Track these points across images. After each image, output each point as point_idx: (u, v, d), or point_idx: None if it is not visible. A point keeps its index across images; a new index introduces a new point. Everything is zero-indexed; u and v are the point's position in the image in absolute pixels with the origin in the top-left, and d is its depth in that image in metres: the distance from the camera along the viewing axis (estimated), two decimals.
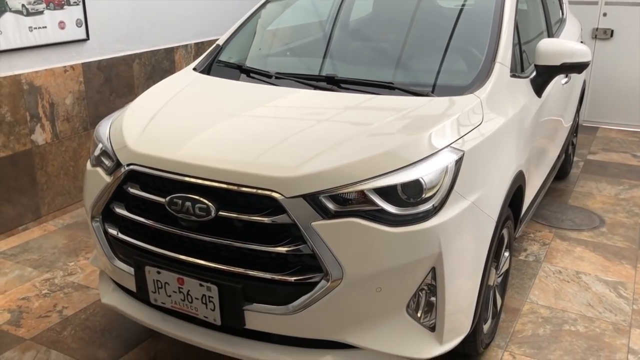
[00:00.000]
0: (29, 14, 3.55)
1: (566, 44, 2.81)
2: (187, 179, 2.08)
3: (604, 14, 5.93)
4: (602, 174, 4.84)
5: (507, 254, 2.69)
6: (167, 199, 2.09)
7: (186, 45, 4.86)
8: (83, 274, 3.26)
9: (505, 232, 2.55)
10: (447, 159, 2.06)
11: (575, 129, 4.73)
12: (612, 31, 5.94)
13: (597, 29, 5.99)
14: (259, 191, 1.97)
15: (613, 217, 4.02)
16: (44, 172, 3.83)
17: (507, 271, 2.79)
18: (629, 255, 3.49)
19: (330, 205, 1.94)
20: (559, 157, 3.94)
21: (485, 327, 2.52)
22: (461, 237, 2.07)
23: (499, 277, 2.63)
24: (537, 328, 2.78)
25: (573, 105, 4.21)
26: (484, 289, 2.29)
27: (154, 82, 4.52)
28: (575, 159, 5.09)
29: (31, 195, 3.78)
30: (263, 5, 3.45)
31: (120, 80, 4.28)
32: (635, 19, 5.83)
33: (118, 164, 2.27)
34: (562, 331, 2.76)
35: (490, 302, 2.56)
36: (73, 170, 4.03)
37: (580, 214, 4.06)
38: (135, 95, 4.38)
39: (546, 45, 2.79)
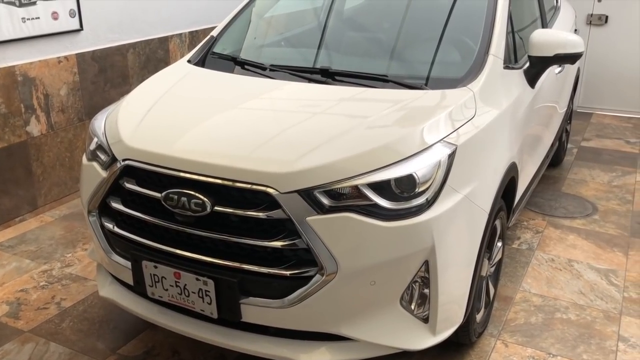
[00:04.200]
0: (21, 4, 3.53)
1: (559, 35, 2.82)
2: (182, 174, 2.09)
3: (599, 0, 5.92)
4: (595, 160, 4.88)
5: (500, 244, 2.72)
6: (163, 194, 2.11)
7: (180, 34, 4.84)
8: (80, 265, 3.28)
9: (498, 222, 2.59)
10: (439, 153, 2.08)
11: (569, 116, 4.76)
12: (607, 17, 5.94)
13: (591, 15, 5.98)
14: (254, 187, 1.99)
15: (606, 204, 4.05)
16: (39, 163, 3.84)
17: (500, 261, 2.83)
18: (621, 242, 3.53)
19: (325, 201, 1.96)
20: (552, 145, 3.97)
21: (478, 316, 2.56)
22: (454, 230, 2.10)
23: (491, 267, 2.66)
24: (530, 316, 2.83)
25: (567, 93, 4.23)
26: (477, 279, 2.33)
27: (149, 72, 4.53)
28: (569, 145, 5.12)
29: (27, 187, 3.79)
30: None
31: (114, 71, 4.27)
32: (629, 5, 5.82)
33: (114, 159, 2.28)
34: (554, 319, 2.81)
35: (483, 292, 2.60)
36: (69, 161, 4.04)
37: (574, 202, 4.10)
38: (130, 85, 4.38)
39: (539, 36, 2.80)
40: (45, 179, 3.90)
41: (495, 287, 2.82)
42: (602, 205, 4.04)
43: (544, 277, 3.16)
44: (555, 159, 4.56)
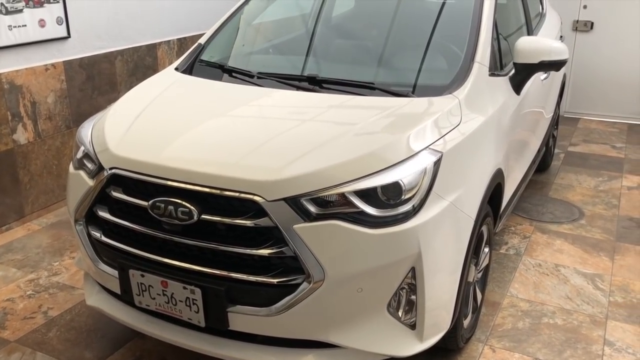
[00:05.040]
0: (7, 12, 3.52)
1: (544, 42, 2.85)
2: (169, 182, 2.09)
3: (584, 7, 5.99)
4: (582, 165, 4.92)
5: (487, 249, 2.74)
6: (150, 202, 2.11)
7: (169, 41, 4.84)
8: (68, 273, 3.27)
9: (484, 228, 2.60)
10: (425, 160, 2.10)
11: (555, 122, 4.80)
12: (592, 23, 6.01)
13: (577, 21, 6.05)
14: (241, 195, 2.00)
15: (592, 209, 4.09)
16: (26, 171, 3.82)
17: (488, 266, 2.84)
18: (607, 247, 3.57)
19: (312, 208, 1.97)
20: (539, 150, 4.01)
21: (466, 322, 2.57)
22: (440, 237, 2.11)
23: (479, 272, 2.68)
24: (517, 321, 2.85)
25: (553, 99, 4.27)
26: (464, 285, 2.35)
27: (137, 79, 4.52)
28: (556, 150, 5.16)
29: (14, 195, 3.77)
30: (246, 2, 3.45)
31: (102, 78, 4.26)
32: (614, 11, 5.89)
33: (100, 168, 2.28)
34: (541, 324, 2.83)
35: (471, 298, 2.61)
36: (56, 169, 4.02)
37: (561, 207, 4.13)
38: (118, 93, 4.38)
39: (524, 43, 2.83)
40: (33, 186, 3.88)
41: (482, 292, 2.83)
42: (588, 210, 4.08)
43: (531, 282, 3.18)
44: (542, 164, 4.60)
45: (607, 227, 3.82)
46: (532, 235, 3.70)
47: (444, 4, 3.11)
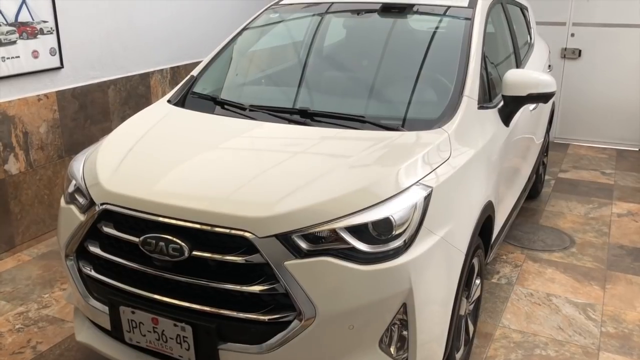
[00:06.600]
0: (1, 44, 3.54)
1: (532, 75, 2.89)
2: (160, 219, 2.09)
3: (572, 35, 6.10)
4: (572, 192, 4.96)
5: (478, 281, 2.75)
6: (141, 238, 2.10)
7: (162, 70, 4.87)
8: (58, 306, 3.24)
9: (475, 260, 2.61)
10: (416, 195, 2.11)
11: (545, 149, 4.85)
12: (580, 51, 6.11)
13: (565, 48, 6.15)
14: (232, 231, 2.00)
15: (583, 237, 4.11)
16: (17, 201, 3.80)
17: (479, 298, 2.84)
18: (598, 276, 3.58)
19: (303, 245, 1.97)
20: (529, 178, 4.04)
21: (458, 355, 2.56)
22: (431, 272, 2.12)
23: (470, 304, 2.68)
24: (509, 353, 2.84)
25: (542, 127, 4.32)
26: (456, 319, 2.34)
27: (130, 108, 4.54)
28: (546, 177, 5.20)
29: (4, 226, 3.75)
30: (239, 33, 3.49)
31: (95, 107, 4.28)
32: (601, 39, 6.00)
33: (92, 203, 2.28)
34: (533, 356, 2.82)
35: (462, 330, 2.61)
36: (48, 199, 4.00)
37: (552, 234, 4.15)
38: (111, 122, 4.39)
39: (513, 76, 2.87)
40: (24, 217, 3.86)
41: (474, 324, 2.83)
42: (579, 237, 4.10)
43: (523, 313, 3.18)
44: (532, 191, 4.63)
45: (598, 256, 3.84)
46: (523, 264, 3.71)
47: (433, 35, 3.17)
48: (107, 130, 4.35)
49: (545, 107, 4.33)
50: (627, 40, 5.90)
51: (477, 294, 2.78)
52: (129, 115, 4.49)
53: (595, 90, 6.14)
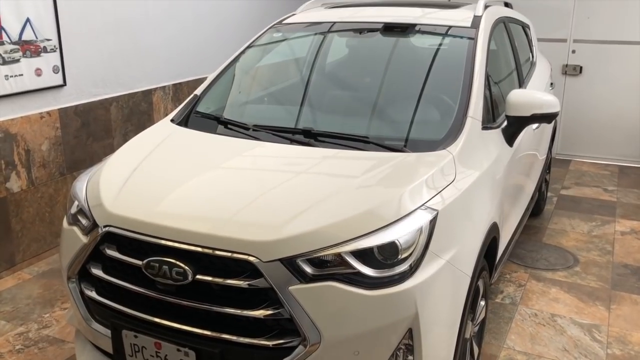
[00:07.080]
0: (5, 62, 3.55)
1: (535, 96, 2.89)
2: (163, 242, 2.08)
3: (573, 51, 6.12)
4: (575, 209, 4.94)
5: (483, 302, 2.72)
6: (144, 262, 2.09)
7: (164, 87, 4.88)
8: (58, 326, 3.21)
9: (480, 282, 2.59)
10: (421, 219, 2.09)
11: (548, 166, 4.84)
12: (581, 67, 6.12)
13: (566, 65, 6.17)
14: (235, 255, 1.98)
15: (586, 255, 4.09)
16: (18, 219, 3.79)
17: (484, 319, 2.82)
18: (602, 296, 3.55)
19: (308, 269, 1.96)
20: (532, 197, 4.02)
21: None
22: (437, 296, 2.10)
23: (475, 327, 2.65)
24: None
25: (545, 145, 4.31)
26: (461, 342, 2.32)
27: (132, 125, 4.54)
28: (549, 194, 5.19)
29: (5, 244, 3.73)
30: (242, 52, 3.49)
31: (97, 124, 4.28)
32: (602, 55, 6.02)
33: (95, 224, 2.26)
34: None
35: (468, 353, 2.58)
36: (49, 216, 3.99)
37: (555, 253, 4.13)
38: (113, 138, 4.39)
39: (516, 96, 2.87)
40: (25, 235, 3.84)
41: (479, 346, 2.80)
42: (582, 256, 4.08)
43: (528, 333, 3.16)
44: (535, 208, 4.61)
45: (602, 275, 3.81)
46: (527, 283, 3.69)
47: (436, 55, 3.17)
48: (109, 147, 4.34)
49: (548, 125, 4.33)
50: (628, 56, 5.92)
51: (482, 315, 2.76)
52: (131, 132, 4.51)
53: (597, 107, 6.15)
